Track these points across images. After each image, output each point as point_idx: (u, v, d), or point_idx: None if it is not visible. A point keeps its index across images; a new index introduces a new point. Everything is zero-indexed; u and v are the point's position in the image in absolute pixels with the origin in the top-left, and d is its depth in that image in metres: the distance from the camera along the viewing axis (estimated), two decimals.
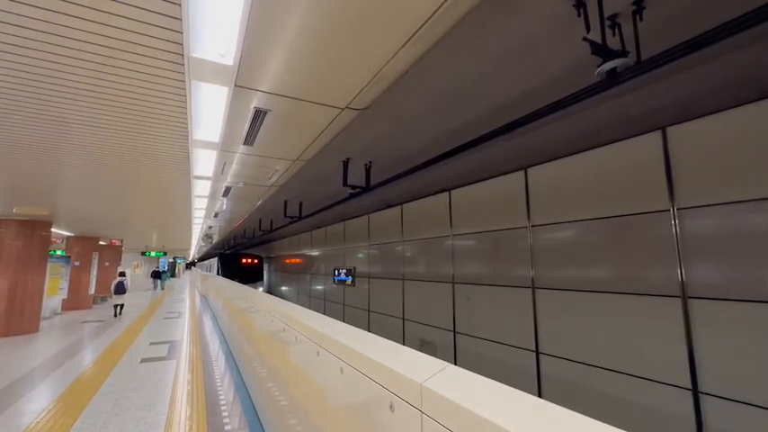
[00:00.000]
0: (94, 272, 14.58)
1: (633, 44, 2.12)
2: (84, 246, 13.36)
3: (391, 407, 1.16)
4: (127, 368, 5.64)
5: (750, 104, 2.93)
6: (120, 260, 17.73)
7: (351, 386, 1.51)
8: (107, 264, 16.06)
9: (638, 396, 3.49)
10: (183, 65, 2.27)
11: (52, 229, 9.94)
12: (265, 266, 23.58)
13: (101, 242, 15.13)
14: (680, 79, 2.75)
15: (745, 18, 1.62)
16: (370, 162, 4.84)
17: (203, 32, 2.04)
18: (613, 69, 2.06)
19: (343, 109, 3.02)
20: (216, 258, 25.23)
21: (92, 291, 14.18)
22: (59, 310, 11.94)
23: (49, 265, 9.90)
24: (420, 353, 1.33)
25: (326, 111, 3.06)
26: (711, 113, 3.13)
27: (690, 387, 3.16)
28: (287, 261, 18.20)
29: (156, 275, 22.33)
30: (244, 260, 22.94)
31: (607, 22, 2.14)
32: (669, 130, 3.41)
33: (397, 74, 2.50)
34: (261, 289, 18.34)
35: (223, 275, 20.06)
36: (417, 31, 2.03)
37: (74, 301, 12.64)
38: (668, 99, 3.08)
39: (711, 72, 2.66)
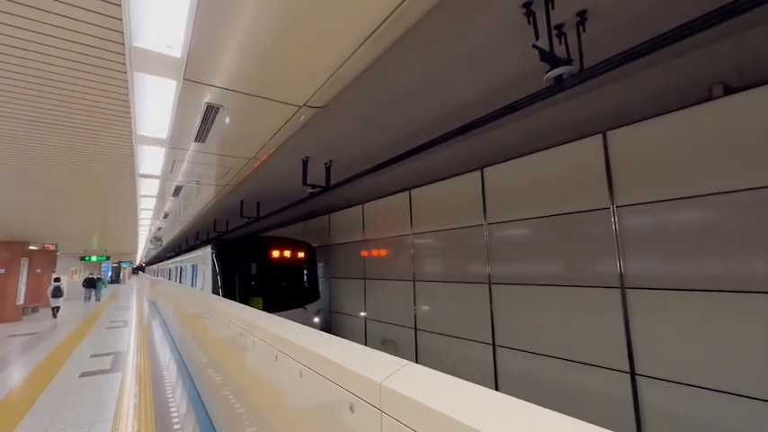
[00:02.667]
0: (23, 280, 13.17)
1: (578, 53, 2.27)
2: (9, 251, 12.03)
3: (351, 408, 1.16)
4: (64, 384, 5.15)
5: (676, 112, 3.24)
6: (55, 266, 16.16)
7: (310, 389, 1.48)
8: (39, 270, 14.57)
9: (587, 382, 3.75)
10: (124, 54, 2.11)
11: None
12: (321, 269, 9.79)
13: (31, 246, 13.68)
14: (618, 87, 2.98)
15: (670, 34, 1.79)
16: (330, 161, 4.78)
17: (147, 21, 1.91)
18: (560, 76, 2.19)
19: (300, 107, 2.96)
20: (208, 253, 8.57)
21: (20, 301, 12.79)
22: None
23: None
24: (380, 352, 1.33)
25: (283, 108, 2.98)
26: (643, 119, 3.43)
27: (628, 370, 3.44)
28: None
29: (90, 284, 17.83)
30: (275, 253, 8.84)
31: (554, 31, 2.27)
32: (609, 134, 3.69)
33: (355, 73, 2.49)
34: (317, 320, 8.52)
35: (226, 291, 7.71)
36: (375, 30, 2.03)
37: None
38: (608, 105, 3.33)
39: (644, 81, 2.91)
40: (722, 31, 2.17)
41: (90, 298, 17.69)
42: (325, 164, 4.83)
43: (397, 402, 0.97)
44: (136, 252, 23.76)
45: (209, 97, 2.77)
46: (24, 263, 13.21)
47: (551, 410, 0.79)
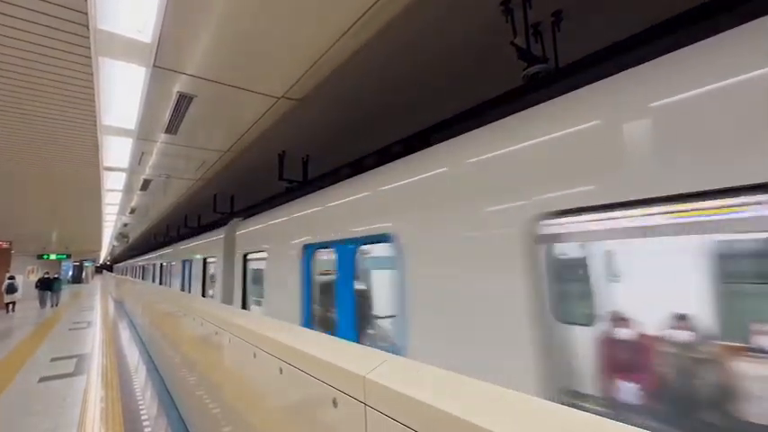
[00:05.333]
0: None
1: (553, 52, 2.33)
2: None
3: (334, 402, 1.14)
4: (21, 390, 4.84)
5: None
6: (9, 265, 15.14)
7: (291, 385, 1.46)
8: None
9: None
10: (88, 38, 1.98)
11: None
12: None
13: None
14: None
15: (636, 38, 1.86)
16: (307, 156, 4.71)
17: (114, 2, 1.79)
18: (537, 73, 2.24)
19: (278, 98, 2.88)
20: None
21: None
22: None
23: None
24: (362, 346, 1.33)
25: (261, 99, 2.90)
26: None
27: None
28: None
29: (46, 285, 14.28)
30: None
31: (531, 30, 2.31)
32: None
33: (336, 64, 2.45)
34: None
35: None
36: (357, 21, 2.00)
37: None
38: None
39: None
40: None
41: (46, 303, 14.15)
42: (302, 158, 4.75)
43: (381, 395, 0.97)
44: (100, 250, 22.62)
45: (181, 86, 2.65)
46: None
47: (535, 397, 0.81)
